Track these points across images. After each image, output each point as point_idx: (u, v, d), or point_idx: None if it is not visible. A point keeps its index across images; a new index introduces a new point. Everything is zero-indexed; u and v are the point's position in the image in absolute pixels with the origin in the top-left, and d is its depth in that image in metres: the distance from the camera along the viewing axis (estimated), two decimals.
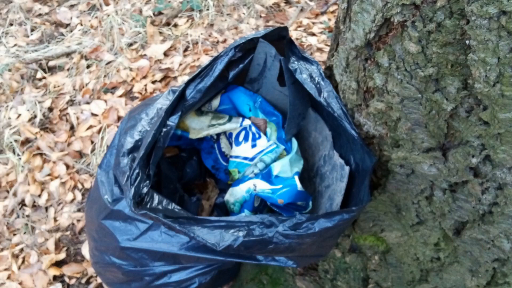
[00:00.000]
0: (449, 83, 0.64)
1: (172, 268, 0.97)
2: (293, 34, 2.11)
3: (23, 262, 1.52)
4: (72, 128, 1.84)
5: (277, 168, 0.97)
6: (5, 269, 1.50)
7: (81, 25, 2.27)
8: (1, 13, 2.39)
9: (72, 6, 2.40)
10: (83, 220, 1.59)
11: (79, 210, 1.62)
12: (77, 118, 1.85)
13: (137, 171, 0.79)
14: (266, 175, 0.98)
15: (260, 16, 2.24)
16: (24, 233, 1.58)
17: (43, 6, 2.41)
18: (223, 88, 1.03)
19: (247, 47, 0.94)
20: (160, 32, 2.16)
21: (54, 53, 2.09)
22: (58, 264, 1.50)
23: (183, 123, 1.03)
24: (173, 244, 0.91)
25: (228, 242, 0.77)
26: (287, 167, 0.97)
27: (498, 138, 0.63)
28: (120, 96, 1.92)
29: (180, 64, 2.00)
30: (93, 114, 1.86)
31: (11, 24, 2.29)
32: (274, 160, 1.01)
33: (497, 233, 0.73)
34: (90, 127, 1.82)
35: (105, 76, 1.99)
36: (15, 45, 2.19)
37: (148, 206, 0.78)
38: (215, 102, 1.05)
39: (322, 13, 2.25)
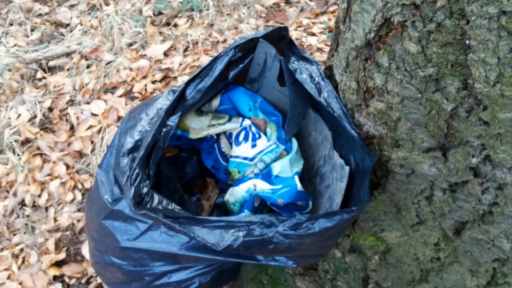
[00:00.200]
0: (449, 83, 0.64)
1: (172, 268, 0.97)
2: (293, 34, 2.11)
3: (23, 262, 1.52)
4: (72, 128, 1.84)
5: (277, 168, 0.97)
6: (5, 269, 1.50)
7: (81, 25, 2.27)
8: (1, 13, 2.39)
9: (72, 6, 2.40)
10: (83, 220, 1.59)
11: (79, 210, 1.62)
12: (77, 118, 1.85)
13: (137, 171, 0.79)
14: (266, 175, 0.98)
15: (260, 16, 2.24)
16: (24, 233, 1.58)
17: (43, 6, 2.41)
18: (223, 88, 1.03)
19: (247, 47, 0.94)
20: (160, 32, 2.16)
21: (54, 53, 2.09)
22: (58, 264, 1.50)
23: (183, 123, 1.03)
24: (173, 244, 0.91)
25: (228, 242, 0.77)
26: (287, 167, 0.97)
27: (498, 138, 0.63)
28: (120, 96, 1.92)
29: (180, 64, 2.00)
30: (93, 114, 1.86)
31: (11, 24, 2.29)
32: (274, 160, 1.01)
33: (497, 233, 0.73)
34: (90, 127, 1.82)
35: (105, 76, 1.99)
36: (15, 45, 2.19)
37: (148, 206, 0.78)
38: (215, 102, 1.05)
39: (322, 13, 2.25)
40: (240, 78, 1.03)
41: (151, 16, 2.21)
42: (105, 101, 1.90)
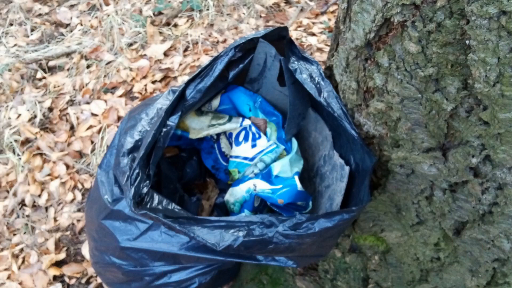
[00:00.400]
0: (449, 83, 0.64)
1: (172, 268, 0.97)
2: (293, 34, 2.11)
3: (23, 262, 1.52)
4: (72, 128, 1.84)
5: (277, 168, 0.97)
6: (5, 269, 1.50)
7: (81, 25, 2.27)
8: (1, 13, 2.39)
9: (72, 6, 2.40)
10: (83, 220, 1.59)
11: (79, 210, 1.62)
12: (77, 118, 1.85)
13: (137, 171, 0.79)
14: (266, 175, 0.98)
15: (260, 16, 2.24)
16: (24, 233, 1.58)
17: (43, 6, 2.41)
18: (223, 88, 1.03)
19: (247, 47, 0.94)
20: (160, 32, 2.16)
21: (54, 53, 2.09)
22: (58, 264, 1.50)
23: (183, 123, 1.03)
24: (173, 244, 0.91)
25: (228, 242, 0.77)
26: (287, 167, 0.97)
27: (498, 138, 0.63)
28: (120, 96, 1.92)
29: (180, 64, 2.00)
30: (93, 114, 1.86)
31: (11, 24, 2.29)
32: (274, 160, 1.01)
33: (497, 233, 0.73)
34: (90, 127, 1.82)
35: (105, 76, 1.99)
36: (15, 45, 2.19)
37: (148, 206, 0.78)
38: (215, 102, 1.05)
39: (322, 13, 2.25)
40: (240, 78, 1.03)
41: (151, 16, 2.21)
42: (105, 101, 1.90)
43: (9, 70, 2.03)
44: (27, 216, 1.61)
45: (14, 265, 1.50)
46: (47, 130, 1.84)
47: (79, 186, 1.68)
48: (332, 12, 2.25)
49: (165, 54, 2.06)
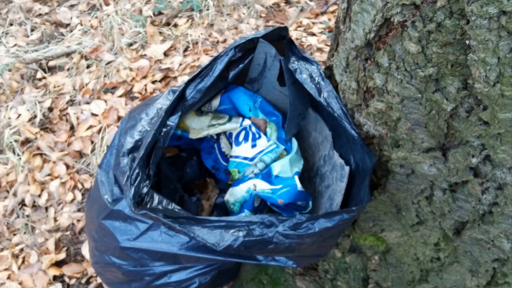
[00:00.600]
0: (449, 83, 0.64)
1: (172, 268, 0.97)
2: (293, 34, 2.11)
3: (23, 262, 1.52)
4: (72, 128, 1.84)
5: (277, 168, 0.97)
6: (5, 269, 1.50)
7: (81, 25, 2.27)
8: (1, 13, 2.39)
9: (72, 6, 2.40)
10: (83, 220, 1.59)
11: (79, 210, 1.62)
12: (77, 118, 1.85)
13: (137, 171, 0.79)
14: (266, 175, 0.98)
15: (260, 16, 2.24)
16: (24, 233, 1.58)
17: (43, 6, 2.41)
18: (223, 88, 1.03)
19: (247, 47, 0.94)
20: (160, 32, 2.16)
21: (54, 53, 2.09)
22: (58, 264, 1.50)
23: (183, 123, 1.03)
24: (173, 244, 0.91)
25: (228, 242, 0.77)
26: (287, 167, 0.97)
27: (498, 138, 0.63)
28: (120, 96, 1.92)
29: (180, 64, 2.00)
30: (93, 114, 1.86)
31: (11, 24, 2.29)
32: (274, 160, 1.01)
33: (497, 233, 0.73)
34: (90, 127, 1.82)
35: (105, 76, 1.99)
36: (15, 45, 2.19)
37: (148, 206, 0.78)
38: (215, 102, 1.05)
39: (322, 13, 2.25)
40: (240, 78, 1.03)
41: (151, 16, 2.21)
42: (105, 101, 1.90)
43: (9, 70, 2.03)
44: (27, 216, 1.61)
45: (14, 265, 1.50)
46: (47, 130, 1.84)
47: (79, 186, 1.68)
48: (332, 12, 2.25)
49: (165, 54, 2.06)
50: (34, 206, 1.65)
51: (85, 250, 1.50)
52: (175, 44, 2.10)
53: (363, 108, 0.81)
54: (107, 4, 2.33)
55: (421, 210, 0.83)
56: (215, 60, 0.91)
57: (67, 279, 1.47)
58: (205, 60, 1.99)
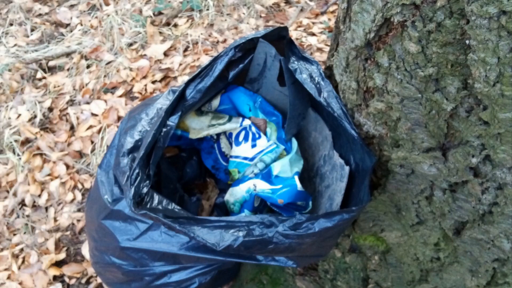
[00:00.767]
0: (449, 83, 0.64)
1: (172, 268, 0.97)
2: (293, 34, 2.11)
3: (23, 262, 1.52)
4: (72, 128, 1.84)
5: (277, 168, 0.97)
6: (5, 269, 1.50)
7: (81, 25, 2.27)
8: (1, 13, 2.39)
9: (72, 6, 2.40)
10: (83, 220, 1.59)
11: (79, 210, 1.62)
12: (77, 118, 1.85)
13: (137, 171, 0.79)
14: (266, 175, 0.98)
15: (260, 16, 2.24)
16: (24, 233, 1.58)
17: (43, 6, 2.41)
18: (223, 88, 1.03)
19: (247, 47, 0.94)
20: (160, 32, 2.16)
21: (54, 53, 2.09)
22: (58, 264, 1.50)
23: (183, 123, 1.03)
24: (173, 244, 0.91)
25: (228, 242, 0.77)
26: (287, 167, 0.97)
27: (498, 138, 0.63)
28: (120, 96, 1.92)
29: (180, 64, 2.00)
30: (93, 114, 1.86)
31: (11, 24, 2.29)
32: (274, 160, 1.01)
33: (497, 233, 0.73)
34: (90, 127, 1.82)
35: (105, 76, 1.99)
36: (15, 45, 2.19)
37: (148, 206, 0.78)
38: (215, 102, 1.05)
39: (322, 13, 2.25)
40: (240, 78, 1.03)
41: (151, 16, 2.21)
42: (105, 101, 1.90)
43: (9, 70, 2.03)
44: (27, 216, 1.61)
45: (14, 265, 1.50)
46: (47, 130, 1.84)
47: (79, 186, 1.68)
48: (332, 12, 2.25)
49: (165, 54, 2.06)
50: (34, 206, 1.65)
51: (85, 250, 1.50)
52: (175, 44, 2.10)
53: (363, 108, 0.81)
54: (107, 4, 2.33)
55: (421, 210, 0.83)
56: (215, 60, 0.91)
57: (67, 279, 1.47)
58: (205, 60, 1.99)
